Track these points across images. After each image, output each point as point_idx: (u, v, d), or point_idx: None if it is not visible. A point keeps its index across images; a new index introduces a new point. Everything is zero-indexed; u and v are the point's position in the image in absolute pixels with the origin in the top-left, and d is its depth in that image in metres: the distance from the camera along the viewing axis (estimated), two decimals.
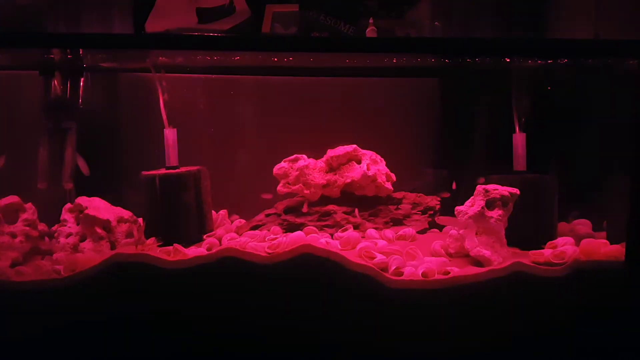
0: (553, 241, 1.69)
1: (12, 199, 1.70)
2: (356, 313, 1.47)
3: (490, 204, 1.61)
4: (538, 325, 1.50)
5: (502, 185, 1.64)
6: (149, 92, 1.83)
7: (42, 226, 1.78)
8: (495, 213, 1.60)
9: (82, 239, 1.70)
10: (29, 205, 1.73)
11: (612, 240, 1.64)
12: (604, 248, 1.60)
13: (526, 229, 1.69)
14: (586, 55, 1.69)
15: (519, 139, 1.83)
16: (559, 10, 2.03)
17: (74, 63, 1.87)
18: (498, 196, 1.61)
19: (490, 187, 1.62)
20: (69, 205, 1.77)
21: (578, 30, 1.89)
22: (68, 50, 1.71)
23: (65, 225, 1.73)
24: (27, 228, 1.68)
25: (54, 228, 1.76)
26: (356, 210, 1.72)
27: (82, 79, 1.90)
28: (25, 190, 1.76)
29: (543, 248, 1.66)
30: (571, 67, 1.84)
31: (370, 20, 1.79)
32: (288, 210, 1.89)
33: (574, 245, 1.64)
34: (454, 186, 1.96)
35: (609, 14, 1.77)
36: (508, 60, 1.78)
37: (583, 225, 1.87)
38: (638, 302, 1.50)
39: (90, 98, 1.96)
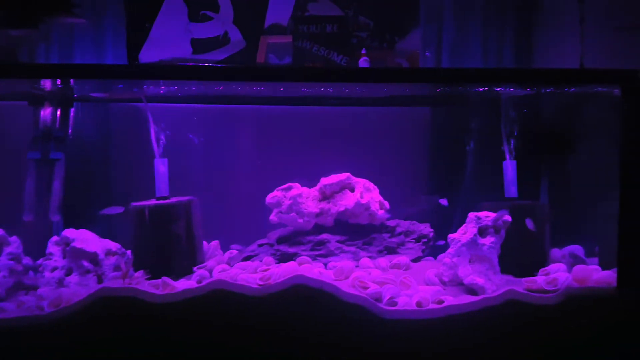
0: (546, 268, 1.69)
1: None
2: (350, 345, 1.44)
3: (482, 231, 1.62)
4: (532, 353, 1.48)
5: (494, 212, 1.65)
6: (140, 122, 1.83)
7: (26, 260, 1.74)
8: (488, 240, 1.60)
9: (68, 273, 1.66)
10: (13, 238, 1.69)
11: (605, 265, 1.65)
12: (596, 274, 1.61)
13: (519, 255, 1.70)
14: (571, 84, 1.74)
15: (510, 166, 1.86)
16: (547, 41, 2.10)
17: (64, 93, 1.86)
18: (490, 223, 1.62)
19: (482, 214, 1.63)
20: (55, 237, 1.74)
21: (567, 59, 1.94)
22: (59, 80, 1.70)
23: (51, 259, 1.70)
24: (11, 262, 1.64)
25: (39, 262, 1.73)
26: None
27: (71, 110, 1.89)
28: (10, 223, 1.73)
29: (536, 275, 1.66)
30: (559, 95, 1.89)
31: (363, 51, 1.84)
32: (281, 240, 1.87)
33: (567, 272, 1.65)
34: (443, 202, 1.97)
35: (594, 45, 1.83)
36: (498, 89, 1.83)
37: (575, 251, 1.88)
38: (630, 328, 1.50)
39: (80, 128, 1.95)
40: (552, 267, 1.69)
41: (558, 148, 1.98)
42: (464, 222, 1.65)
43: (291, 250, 1.82)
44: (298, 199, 1.86)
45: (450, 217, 1.98)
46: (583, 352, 1.49)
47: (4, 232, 1.68)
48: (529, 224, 1.71)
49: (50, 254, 1.71)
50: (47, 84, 1.73)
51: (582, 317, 1.49)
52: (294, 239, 1.86)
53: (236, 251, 1.90)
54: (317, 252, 1.82)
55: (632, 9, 1.75)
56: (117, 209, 1.79)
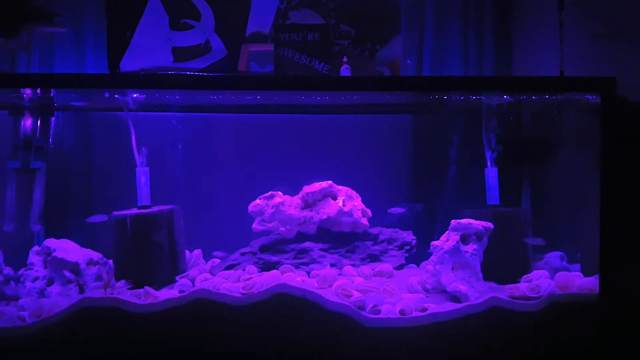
0: (528, 274, 1.70)
1: None
2: (333, 353, 1.44)
3: (465, 239, 1.62)
4: None
5: (476, 219, 1.65)
6: (121, 131, 1.82)
7: (7, 270, 1.71)
8: (470, 247, 1.60)
9: (50, 283, 1.65)
10: None
11: (587, 271, 1.66)
12: (578, 280, 1.61)
13: (501, 262, 1.70)
14: (551, 91, 1.75)
15: (491, 174, 1.87)
16: (526, 48, 2.12)
17: (45, 102, 1.85)
18: (472, 231, 1.62)
19: (464, 221, 1.63)
20: (36, 247, 1.72)
21: (546, 66, 1.96)
22: (39, 90, 1.70)
23: (32, 269, 1.68)
24: None
25: (20, 272, 1.71)
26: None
27: (52, 119, 1.88)
28: None
29: (519, 281, 1.66)
30: (540, 102, 1.90)
31: (344, 59, 1.85)
32: (264, 249, 1.86)
33: (549, 278, 1.65)
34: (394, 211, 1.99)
35: (573, 52, 1.84)
36: (479, 96, 1.84)
37: (557, 257, 1.89)
38: (612, 334, 1.50)
39: (61, 137, 1.94)
40: (535, 273, 1.69)
41: (539, 155, 1.99)
42: (447, 229, 1.65)
43: (274, 258, 1.82)
44: (280, 207, 1.85)
45: (432, 224, 1.99)
46: (566, 358, 1.49)
47: None
48: (530, 240, 1.74)
49: (32, 264, 1.70)
50: (27, 93, 1.72)
51: (564, 323, 1.50)
52: (276, 247, 1.85)
53: (219, 260, 1.89)
54: (300, 261, 1.81)
55: (611, 15, 1.76)
56: (102, 217, 1.78)
